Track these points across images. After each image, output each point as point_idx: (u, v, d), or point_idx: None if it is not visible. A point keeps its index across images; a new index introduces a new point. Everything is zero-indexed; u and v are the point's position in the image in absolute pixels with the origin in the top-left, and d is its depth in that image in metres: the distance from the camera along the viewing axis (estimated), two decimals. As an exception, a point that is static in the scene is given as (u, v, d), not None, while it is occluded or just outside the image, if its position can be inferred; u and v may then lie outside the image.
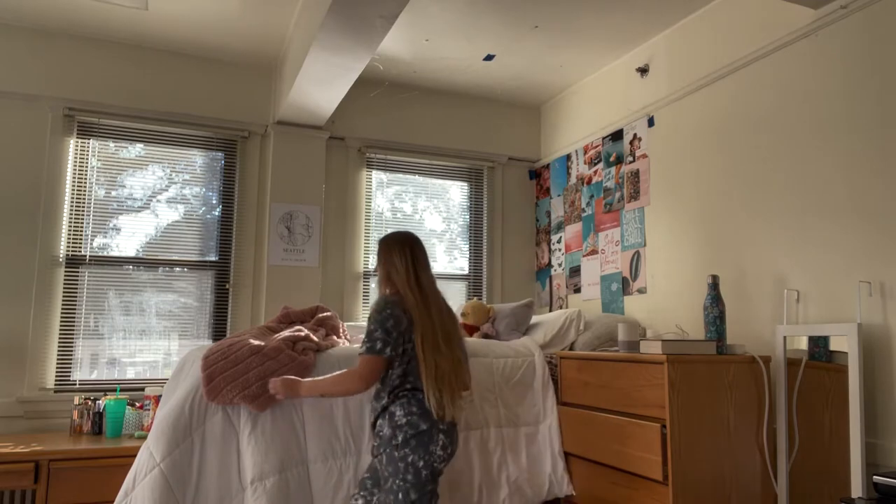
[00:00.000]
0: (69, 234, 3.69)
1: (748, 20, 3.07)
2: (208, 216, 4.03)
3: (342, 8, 2.70)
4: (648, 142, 3.69)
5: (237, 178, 4.08)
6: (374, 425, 2.23)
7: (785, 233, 2.83)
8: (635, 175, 3.77)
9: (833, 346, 2.52)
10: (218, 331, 3.94)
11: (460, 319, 3.51)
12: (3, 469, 2.85)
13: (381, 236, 2.38)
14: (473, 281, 4.60)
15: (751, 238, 3.00)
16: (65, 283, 3.65)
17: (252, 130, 4.12)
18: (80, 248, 3.71)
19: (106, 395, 3.52)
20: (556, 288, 4.49)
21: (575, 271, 4.29)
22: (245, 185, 4.09)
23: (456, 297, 4.52)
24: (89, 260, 3.72)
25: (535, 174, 4.84)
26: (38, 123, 3.67)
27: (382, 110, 4.43)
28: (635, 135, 3.80)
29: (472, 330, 3.43)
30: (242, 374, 2.40)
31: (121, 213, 3.83)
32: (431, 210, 4.57)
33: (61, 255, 3.65)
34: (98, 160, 3.80)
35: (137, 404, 3.45)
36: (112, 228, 3.80)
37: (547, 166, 4.70)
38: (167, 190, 3.95)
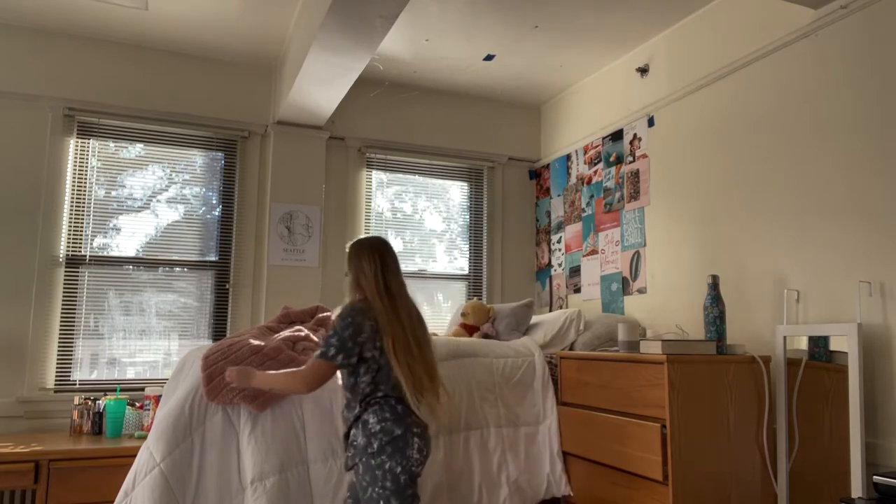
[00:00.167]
0: (69, 234, 3.69)
1: (748, 20, 3.07)
2: (208, 216, 4.03)
3: (342, 8, 2.70)
4: (648, 142, 3.69)
5: (237, 178, 4.08)
6: (346, 436, 2.20)
7: (785, 233, 2.83)
8: (635, 175, 3.77)
9: (833, 346, 2.52)
10: (218, 331, 3.94)
11: (460, 319, 3.51)
12: (3, 469, 2.85)
13: (352, 241, 2.37)
14: (473, 281, 4.60)
15: (751, 238, 3.00)
16: (65, 283, 3.65)
17: (252, 130, 4.12)
18: (80, 248, 3.71)
19: (106, 395, 3.52)
20: (556, 288, 4.49)
21: (575, 271, 4.29)
22: (245, 185, 4.09)
23: (456, 297, 4.52)
24: (89, 260, 3.72)
25: (535, 174, 4.84)
26: (38, 123, 3.67)
27: (382, 110, 4.43)
28: (635, 135, 3.80)
29: (472, 330, 3.43)
30: (242, 374, 2.40)
31: (121, 213, 3.83)
32: (431, 210, 4.57)
33: (61, 255, 3.65)
34: (98, 160, 3.80)
35: (137, 404, 3.45)
36: (112, 228, 3.80)
37: (547, 166, 4.70)
38: (167, 190, 3.95)
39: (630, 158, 3.83)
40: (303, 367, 2.17)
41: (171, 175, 3.96)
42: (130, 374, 3.75)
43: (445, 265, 4.55)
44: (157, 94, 3.93)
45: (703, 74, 3.32)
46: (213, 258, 3.99)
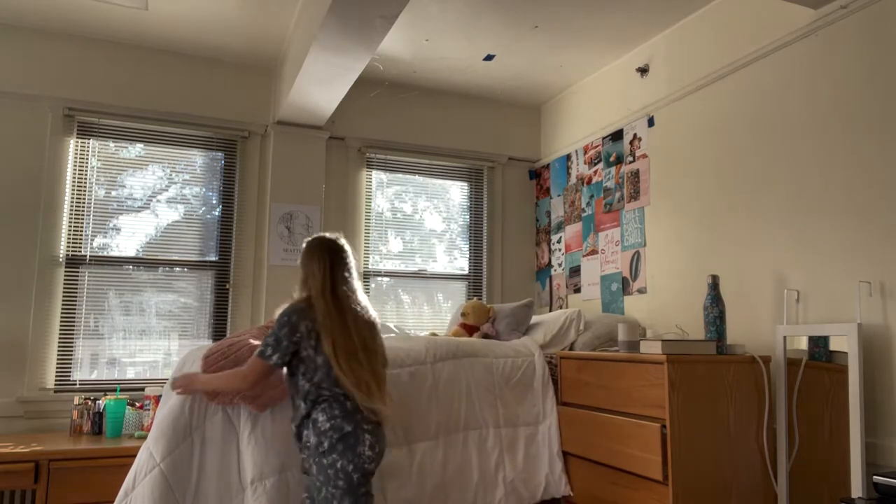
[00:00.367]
0: (69, 234, 3.69)
1: (748, 20, 3.07)
2: (208, 216, 4.03)
3: (342, 8, 2.70)
4: (648, 142, 3.69)
5: (237, 178, 4.08)
6: (299, 437, 2.21)
7: (785, 233, 2.83)
8: (635, 175, 3.77)
9: (833, 346, 2.52)
10: (218, 331, 3.94)
11: (460, 319, 3.51)
12: (3, 469, 2.85)
13: (309, 238, 2.37)
14: (473, 281, 4.60)
15: (751, 238, 3.00)
16: (65, 283, 3.65)
17: (252, 130, 4.12)
18: (80, 248, 3.71)
19: (106, 395, 3.52)
20: (556, 288, 4.49)
21: (575, 271, 4.29)
22: (245, 185, 4.09)
23: (456, 297, 4.52)
24: (89, 260, 3.72)
25: (535, 174, 4.84)
26: (38, 123, 3.67)
27: (382, 110, 4.43)
28: (635, 135, 3.80)
29: (472, 330, 3.43)
30: (242, 374, 2.40)
31: (121, 213, 3.83)
32: (431, 210, 4.57)
33: (61, 255, 3.65)
34: (98, 160, 3.81)
35: (137, 404, 3.45)
36: (112, 228, 3.80)
37: (547, 166, 4.70)
38: (167, 190, 3.95)
39: (630, 158, 3.83)
40: (244, 366, 2.20)
41: (171, 175, 3.96)
42: (130, 374, 3.75)
43: (445, 265, 4.55)
44: (157, 94, 3.93)
45: (702, 74, 3.32)
46: (213, 258, 3.99)
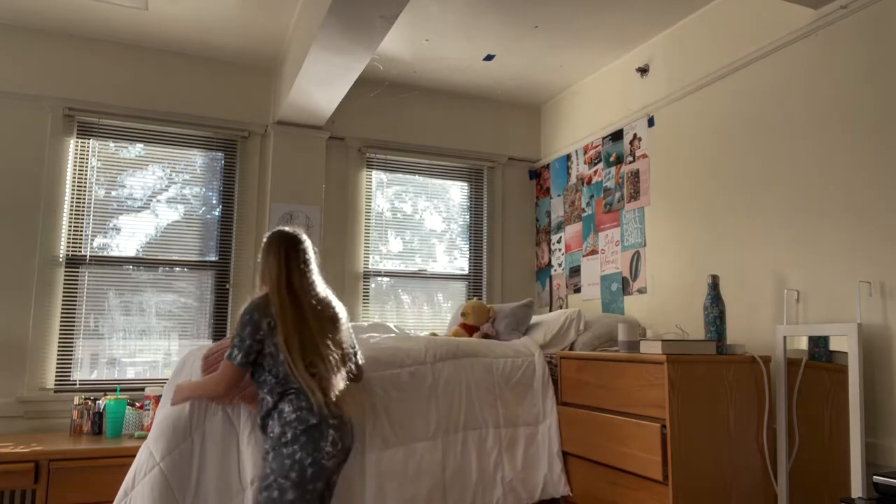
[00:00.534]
0: (69, 234, 3.69)
1: (748, 20, 3.07)
2: (208, 216, 4.03)
3: (342, 8, 2.70)
4: (648, 142, 3.69)
5: (237, 178, 4.08)
6: (264, 429, 2.20)
7: (785, 233, 2.83)
8: (635, 175, 3.77)
9: (833, 346, 2.51)
10: (218, 331, 3.94)
11: (460, 319, 3.51)
12: (3, 469, 2.85)
13: (268, 233, 2.34)
14: (473, 281, 4.60)
15: (751, 238, 3.00)
16: (65, 283, 3.65)
17: (252, 130, 4.12)
18: (80, 248, 3.71)
19: (106, 395, 3.52)
20: (556, 288, 4.49)
21: (575, 271, 4.29)
22: (245, 185, 4.09)
23: (456, 297, 4.52)
24: (89, 260, 3.72)
25: (535, 174, 4.84)
26: (38, 123, 3.67)
27: (382, 110, 4.43)
28: (635, 135, 3.80)
29: (472, 330, 3.43)
30: (242, 374, 2.40)
31: (121, 213, 3.83)
32: (431, 210, 4.57)
33: (61, 255, 3.65)
34: (98, 160, 3.81)
35: (137, 404, 3.45)
36: (112, 228, 3.80)
37: (547, 166, 4.70)
38: (167, 190, 3.95)
39: (630, 158, 3.83)
40: (217, 371, 2.20)
41: (171, 175, 3.96)
42: (130, 374, 3.75)
43: (445, 265, 4.55)
44: (157, 94, 3.93)
45: (703, 74, 3.32)
46: (213, 258, 3.99)
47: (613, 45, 3.82)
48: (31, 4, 3.45)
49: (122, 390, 3.61)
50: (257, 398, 2.24)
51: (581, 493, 2.92)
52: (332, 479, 2.20)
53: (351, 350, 2.39)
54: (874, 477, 2.10)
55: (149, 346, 3.80)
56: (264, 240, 2.32)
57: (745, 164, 3.05)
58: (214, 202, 4.05)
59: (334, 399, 2.16)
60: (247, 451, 2.38)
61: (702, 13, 3.37)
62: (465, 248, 4.63)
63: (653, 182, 3.64)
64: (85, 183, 3.76)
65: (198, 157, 4.04)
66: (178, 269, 3.91)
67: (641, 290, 3.66)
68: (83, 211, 3.74)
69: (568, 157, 4.46)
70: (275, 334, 2.14)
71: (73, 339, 3.64)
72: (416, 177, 4.55)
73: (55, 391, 3.56)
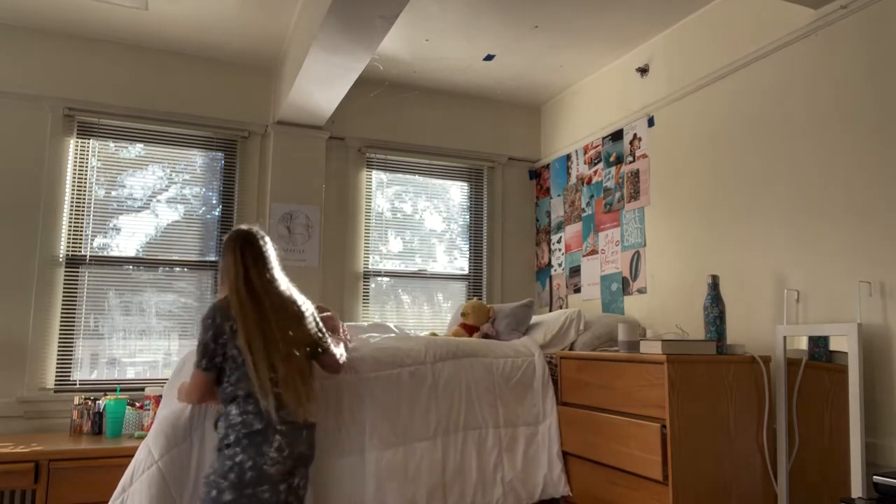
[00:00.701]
0: (69, 234, 3.69)
1: (748, 20, 3.07)
2: (208, 216, 4.03)
3: (342, 8, 2.70)
4: (648, 142, 3.69)
5: (237, 178, 4.08)
6: (215, 426, 2.17)
7: (785, 233, 2.83)
8: (635, 175, 3.77)
9: (833, 346, 2.51)
10: (218, 331, 3.94)
11: (460, 319, 3.51)
12: (3, 469, 2.85)
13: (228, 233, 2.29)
14: (473, 281, 4.60)
15: (751, 238, 3.00)
16: (65, 283, 3.65)
17: (252, 130, 4.12)
18: (80, 248, 3.71)
19: (106, 395, 3.52)
20: (556, 288, 4.49)
21: (575, 271, 4.29)
22: (245, 185, 4.09)
23: (456, 297, 4.52)
24: (89, 260, 3.72)
25: (535, 174, 4.84)
26: (38, 123, 3.67)
27: (382, 110, 4.43)
28: (635, 135, 3.80)
29: (472, 330, 3.43)
30: (242, 374, 2.39)
31: (121, 213, 3.83)
32: (431, 210, 4.57)
33: (61, 255, 3.65)
34: (98, 160, 3.81)
35: (137, 404, 3.45)
36: (112, 228, 3.80)
37: (547, 166, 4.70)
38: (167, 190, 3.95)
39: (630, 158, 3.83)
40: (190, 379, 2.17)
41: (171, 175, 3.96)
42: (130, 374, 3.75)
43: (445, 265, 4.55)
44: (157, 94, 3.93)
45: (703, 74, 3.32)
46: (213, 258, 3.99)
47: (613, 45, 3.82)
48: (31, 4, 3.45)
49: (122, 390, 3.61)
50: (221, 398, 2.22)
51: (581, 493, 2.92)
52: (286, 485, 2.09)
53: (321, 348, 2.33)
54: (874, 477, 2.10)
55: (149, 346, 3.80)
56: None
57: (745, 164, 3.05)
58: (214, 202, 4.05)
59: (299, 401, 2.08)
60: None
61: (702, 13, 3.37)
62: (465, 248, 4.63)
63: (653, 182, 3.64)
64: (85, 183, 3.76)
65: (198, 157, 4.04)
66: (178, 269, 3.91)
67: (641, 290, 3.66)
68: (83, 211, 3.74)
69: (568, 157, 4.46)
70: (237, 337, 2.08)
71: (73, 339, 3.64)
72: (416, 177, 4.55)
73: (55, 391, 3.56)
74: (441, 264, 4.54)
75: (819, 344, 2.57)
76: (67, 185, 3.70)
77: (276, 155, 4.06)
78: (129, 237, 3.83)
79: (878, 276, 2.44)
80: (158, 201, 3.92)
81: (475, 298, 4.33)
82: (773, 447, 2.62)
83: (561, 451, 2.99)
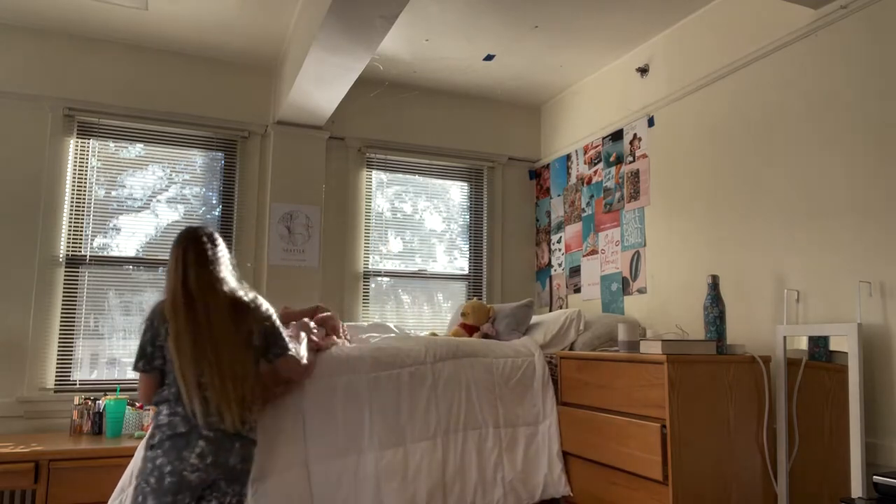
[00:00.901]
0: (69, 234, 3.69)
1: (748, 20, 3.07)
2: (208, 216, 4.03)
3: (342, 8, 2.70)
4: (648, 142, 3.69)
5: (237, 178, 4.08)
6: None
7: (785, 233, 2.83)
8: (635, 175, 3.77)
9: (833, 346, 2.52)
10: (218, 331, 3.94)
11: (460, 319, 3.51)
12: (3, 469, 2.85)
13: None
14: (473, 281, 4.60)
15: (751, 238, 3.00)
16: (65, 283, 3.65)
17: (252, 130, 4.12)
18: (80, 248, 3.71)
19: (106, 395, 3.52)
20: (556, 288, 4.49)
21: (575, 271, 4.29)
22: (245, 185, 4.09)
23: (456, 297, 4.52)
24: (89, 260, 3.72)
25: (535, 174, 4.84)
26: (38, 123, 3.67)
27: (382, 110, 4.43)
28: (635, 135, 3.80)
29: (472, 330, 3.43)
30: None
31: (121, 213, 3.83)
32: (431, 210, 4.57)
33: (61, 255, 3.65)
34: (98, 160, 3.81)
35: (137, 404, 3.45)
36: (112, 228, 3.80)
37: (547, 166, 4.70)
38: (167, 190, 3.95)
39: (630, 158, 3.83)
40: None
41: (171, 175, 3.96)
42: (130, 374, 3.75)
43: (445, 265, 4.55)
44: (157, 94, 3.93)
45: (702, 74, 3.32)
46: (213, 258, 3.98)
47: (613, 45, 3.82)
48: (31, 4, 3.45)
49: (122, 390, 3.61)
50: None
51: (581, 493, 2.92)
52: (208, 496, 2.03)
53: (273, 353, 2.24)
54: (874, 477, 2.10)
55: (149, 346, 3.80)
56: None
57: (745, 163, 3.05)
58: (214, 202, 4.05)
59: (229, 408, 2.01)
60: (247, 451, 2.37)
61: (702, 13, 3.37)
62: (465, 248, 4.63)
63: (653, 182, 3.64)
64: (85, 183, 3.76)
65: (198, 157, 4.04)
66: (178, 269, 3.90)
67: (641, 290, 3.66)
68: (83, 211, 3.74)
69: (568, 157, 4.46)
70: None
71: (73, 339, 3.64)
72: (416, 177, 4.55)
73: (55, 391, 3.56)
74: (441, 264, 4.54)
75: (819, 344, 2.57)
76: (67, 185, 3.70)
77: (276, 155, 4.06)
78: (129, 237, 3.83)
79: (878, 276, 2.44)
80: (158, 201, 3.92)
81: (475, 298, 4.33)
82: (773, 447, 2.62)
83: (561, 451, 2.99)
